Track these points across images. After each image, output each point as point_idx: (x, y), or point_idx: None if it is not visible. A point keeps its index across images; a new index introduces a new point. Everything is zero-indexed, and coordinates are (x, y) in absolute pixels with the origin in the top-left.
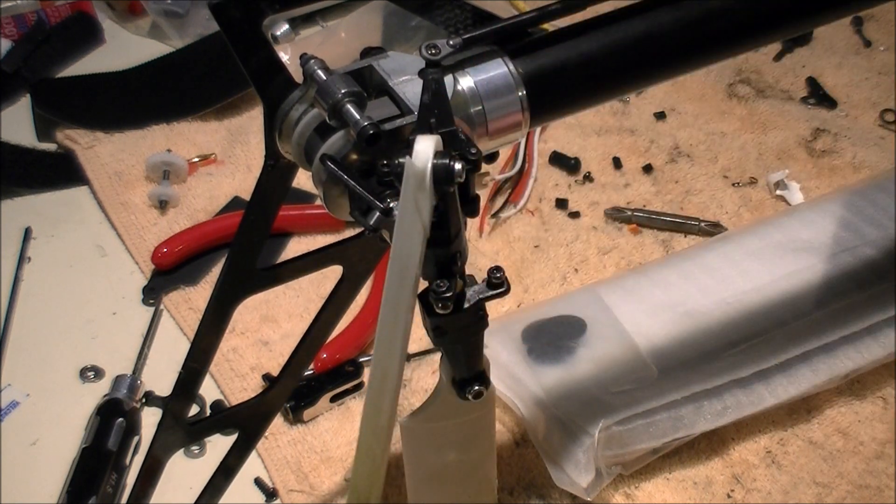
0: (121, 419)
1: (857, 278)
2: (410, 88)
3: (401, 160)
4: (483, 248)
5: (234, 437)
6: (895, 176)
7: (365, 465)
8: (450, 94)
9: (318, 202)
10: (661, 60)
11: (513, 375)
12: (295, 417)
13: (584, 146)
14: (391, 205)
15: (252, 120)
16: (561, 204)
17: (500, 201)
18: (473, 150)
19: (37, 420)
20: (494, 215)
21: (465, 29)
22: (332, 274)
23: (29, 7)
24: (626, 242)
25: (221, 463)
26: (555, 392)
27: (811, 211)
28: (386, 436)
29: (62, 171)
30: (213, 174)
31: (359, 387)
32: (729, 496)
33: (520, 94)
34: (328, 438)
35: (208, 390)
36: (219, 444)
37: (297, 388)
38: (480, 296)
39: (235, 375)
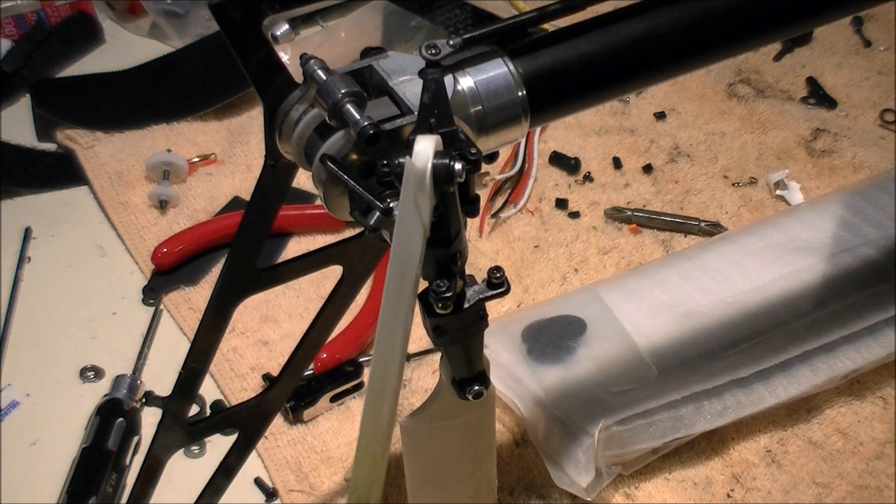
0: (121, 419)
1: (857, 278)
2: (410, 88)
3: (401, 160)
4: (483, 248)
5: (234, 437)
6: (895, 176)
7: (365, 465)
8: (450, 94)
9: (318, 202)
10: (661, 60)
11: (513, 375)
12: (295, 417)
13: (584, 146)
14: (391, 205)
15: (252, 120)
16: (561, 204)
17: (500, 201)
18: (473, 150)
19: (37, 420)
20: (494, 215)
21: (465, 29)
22: (332, 274)
23: (29, 7)
24: (626, 242)
25: (221, 463)
26: (555, 392)
27: (811, 211)
28: (386, 436)
29: (62, 171)
30: (213, 174)
31: (359, 387)
32: (729, 496)
33: (520, 94)
34: (328, 438)
35: (208, 390)
36: (219, 444)
37: (297, 388)
38: (480, 296)
39: (235, 375)
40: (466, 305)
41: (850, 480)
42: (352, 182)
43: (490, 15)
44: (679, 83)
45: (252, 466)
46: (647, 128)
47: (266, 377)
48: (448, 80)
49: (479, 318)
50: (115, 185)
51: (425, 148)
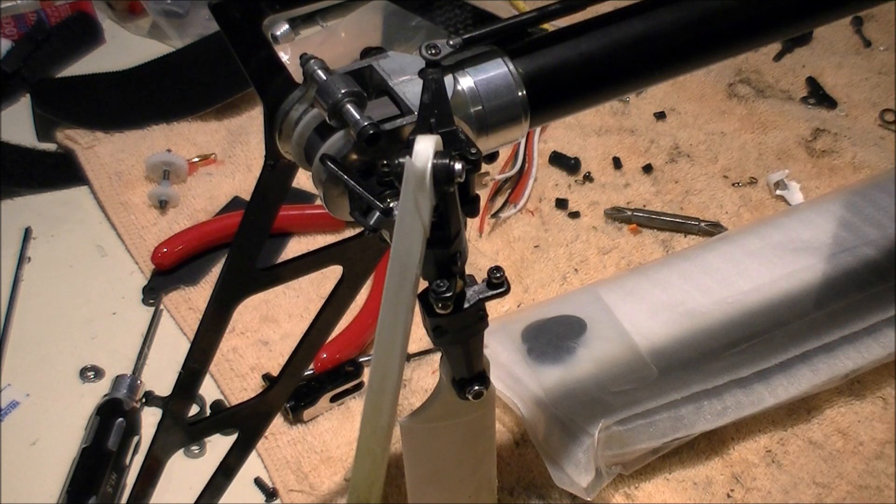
0: (121, 419)
1: (857, 278)
2: (410, 88)
3: (401, 160)
4: (483, 248)
5: (234, 437)
6: (895, 176)
7: (365, 465)
8: (450, 94)
9: (318, 202)
10: (661, 60)
11: (513, 375)
12: (295, 417)
13: (584, 146)
14: (391, 205)
15: (252, 120)
16: (561, 204)
17: (500, 201)
18: (473, 150)
19: (37, 420)
20: (494, 215)
21: (465, 29)
22: (332, 274)
23: (29, 7)
24: (626, 242)
25: (221, 463)
26: (555, 392)
27: (811, 211)
28: (386, 436)
29: (62, 171)
30: (213, 174)
31: (359, 387)
32: (729, 496)
33: (520, 94)
34: (328, 438)
35: (208, 390)
36: (219, 444)
37: (297, 388)
38: (480, 296)
39: (235, 375)
40: (466, 305)
41: (850, 480)
42: (352, 182)
43: (490, 15)
44: (679, 83)
45: (252, 466)
46: (647, 128)
47: (266, 377)
48: (448, 80)
49: (479, 318)
50: (115, 185)
51: (425, 148)
